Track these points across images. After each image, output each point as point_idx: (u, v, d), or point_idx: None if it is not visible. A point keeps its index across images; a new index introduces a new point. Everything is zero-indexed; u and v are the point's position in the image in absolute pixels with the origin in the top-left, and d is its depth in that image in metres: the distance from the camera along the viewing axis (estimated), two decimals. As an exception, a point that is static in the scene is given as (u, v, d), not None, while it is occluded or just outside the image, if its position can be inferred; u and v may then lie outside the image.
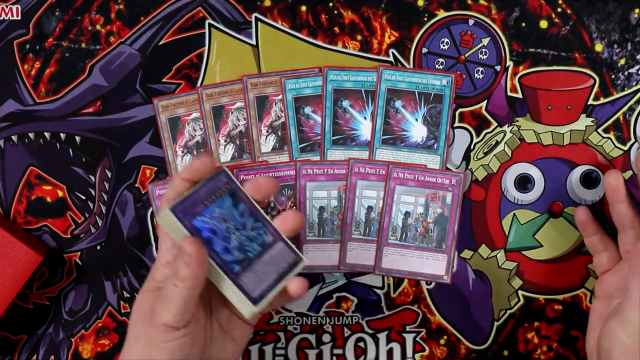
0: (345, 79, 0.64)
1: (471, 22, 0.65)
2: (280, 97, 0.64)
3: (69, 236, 0.65)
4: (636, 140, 0.65)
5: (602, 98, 0.65)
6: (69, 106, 0.65)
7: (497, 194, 0.65)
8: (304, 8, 0.65)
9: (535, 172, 0.65)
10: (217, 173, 0.53)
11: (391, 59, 0.65)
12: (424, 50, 0.65)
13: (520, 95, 0.65)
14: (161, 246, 0.54)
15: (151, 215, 0.65)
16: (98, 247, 0.65)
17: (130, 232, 0.65)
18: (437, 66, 0.65)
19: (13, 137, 0.65)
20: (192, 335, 0.52)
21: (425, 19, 0.65)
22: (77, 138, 0.65)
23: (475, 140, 0.65)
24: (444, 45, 0.65)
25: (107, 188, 0.65)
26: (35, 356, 0.65)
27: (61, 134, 0.65)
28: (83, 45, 0.65)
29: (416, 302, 0.66)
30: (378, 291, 0.66)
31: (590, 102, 0.65)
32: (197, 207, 0.52)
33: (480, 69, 0.65)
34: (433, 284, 0.66)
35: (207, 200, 0.52)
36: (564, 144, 0.65)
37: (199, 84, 0.65)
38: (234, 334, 0.56)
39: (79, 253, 0.65)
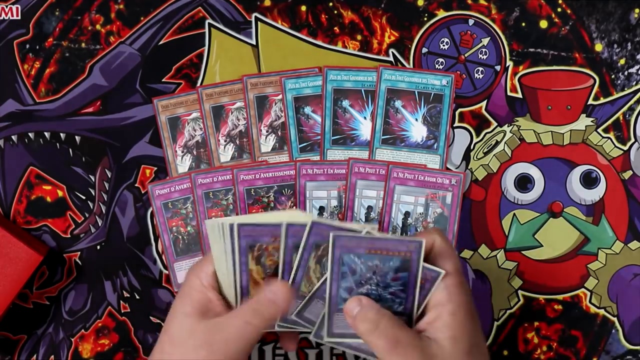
0: (345, 78, 0.64)
1: (471, 22, 0.65)
2: (280, 97, 0.64)
3: (69, 236, 0.65)
4: (636, 140, 0.65)
5: (602, 98, 0.65)
6: (69, 106, 0.65)
7: (497, 194, 0.65)
8: (304, 8, 0.65)
9: (535, 172, 0.65)
10: (303, 224, 0.53)
11: (391, 58, 0.65)
12: (424, 50, 0.65)
13: (520, 95, 0.65)
14: (205, 267, 0.54)
15: (151, 215, 0.65)
16: (98, 247, 0.65)
17: (130, 232, 0.65)
18: (437, 66, 0.65)
19: (13, 137, 0.65)
20: None
21: (425, 18, 0.65)
22: (77, 138, 0.65)
23: (475, 140, 0.65)
24: (444, 45, 0.65)
25: (107, 188, 0.65)
26: (35, 356, 0.65)
27: (61, 134, 0.65)
28: (83, 45, 0.65)
29: (416, 302, 0.66)
30: (378, 291, 0.66)
31: (590, 102, 0.65)
32: (264, 237, 0.52)
33: (480, 68, 0.65)
34: (433, 283, 0.66)
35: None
36: (564, 143, 0.65)
37: (199, 84, 0.65)
38: None
39: (79, 253, 0.65)
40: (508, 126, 0.65)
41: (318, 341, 0.53)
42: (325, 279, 0.51)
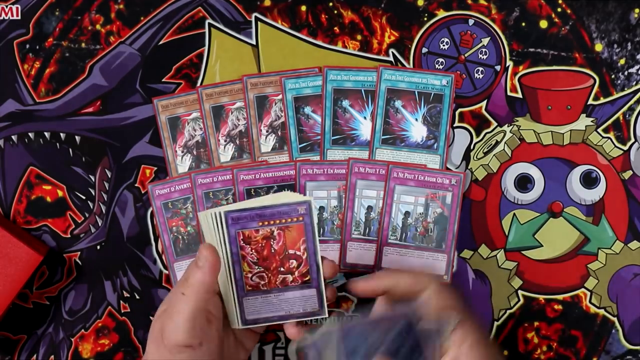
0: (345, 78, 0.64)
1: (471, 22, 0.65)
2: (280, 97, 0.64)
3: (69, 236, 0.65)
4: (636, 140, 0.65)
5: (602, 98, 0.65)
6: (69, 106, 0.65)
7: (497, 194, 0.65)
8: (304, 8, 0.65)
9: (535, 172, 0.65)
10: (302, 201, 0.53)
11: (391, 58, 0.65)
12: (424, 50, 0.65)
13: (520, 95, 0.65)
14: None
15: (151, 215, 0.65)
16: (98, 247, 0.65)
17: (130, 231, 0.65)
18: (437, 66, 0.65)
19: (13, 137, 0.65)
20: (209, 353, 0.52)
21: (425, 18, 0.65)
22: (77, 138, 0.65)
23: (475, 140, 0.65)
24: (444, 45, 0.65)
25: (107, 188, 0.65)
26: (35, 356, 0.65)
27: (61, 134, 0.65)
28: (83, 45, 0.65)
29: (416, 302, 0.66)
30: (378, 291, 0.66)
31: (590, 102, 0.65)
32: (252, 223, 0.53)
33: (480, 68, 0.65)
34: (433, 283, 0.65)
35: (274, 220, 0.53)
36: (564, 143, 0.65)
37: (199, 84, 0.65)
38: (246, 343, 0.58)
39: (79, 253, 0.65)
40: (508, 126, 0.65)
41: None
42: None
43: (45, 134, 0.65)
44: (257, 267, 0.54)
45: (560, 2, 0.65)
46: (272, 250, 0.54)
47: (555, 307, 0.65)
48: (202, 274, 0.50)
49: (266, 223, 0.53)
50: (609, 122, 0.65)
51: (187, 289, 0.50)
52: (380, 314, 0.51)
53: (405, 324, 0.51)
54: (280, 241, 0.54)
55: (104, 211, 0.65)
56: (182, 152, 0.65)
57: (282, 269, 0.54)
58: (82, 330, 0.65)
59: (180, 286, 0.51)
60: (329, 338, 0.51)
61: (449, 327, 0.51)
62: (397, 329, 0.51)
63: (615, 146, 0.65)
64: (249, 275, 0.54)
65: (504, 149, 0.65)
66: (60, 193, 0.65)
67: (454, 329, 0.50)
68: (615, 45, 0.65)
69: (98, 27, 0.65)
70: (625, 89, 0.65)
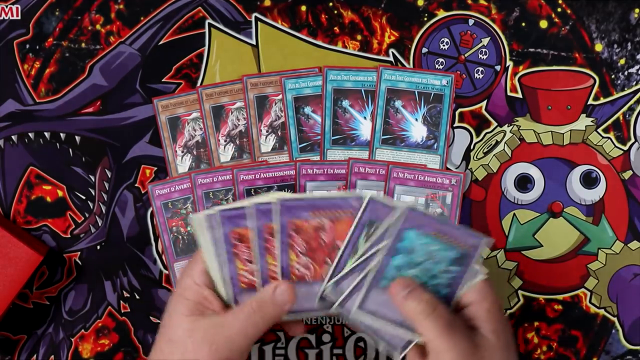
0: (345, 78, 0.64)
1: (471, 22, 0.65)
2: (280, 97, 0.64)
3: (69, 236, 0.65)
4: (636, 140, 0.65)
5: (602, 98, 0.65)
6: (69, 106, 0.65)
7: (497, 194, 0.65)
8: (304, 8, 0.65)
9: (535, 172, 0.65)
10: (357, 196, 0.54)
11: (391, 58, 0.65)
12: (424, 50, 0.65)
13: (520, 95, 0.65)
14: (196, 266, 0.54)
15: (151, 215, 0.65)
16: (98, 247, 0.65)
17: (130, 232, 0.65)
18: (437, 66, 0.65)
19: (13, 137, 0.65)
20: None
21: (425, 18, 0.65)
22: (77, 138, 0.65)
23: (475, 140, 0.65)
24: (444, 45, 0.65)
25: (107, 188, 0.65)
26: (35, 356, 0.65)
27: (61, 134, 0.65)
28: (83, 45, 0.65)
29: (416, 302, 0.66)
30: (378, 291, 0.66)
31: (590, 102, 0.65)
32: (304, 212, 0.54)
33: (480, 68, 0.65)
34: (433, 283, 0.66)
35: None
36: (564, 143, 0.65)
37: (199, 84, 0.65)
38: None
39: (79, 253, 0.65)
40: (508, 126, 0.65)
41: (338, 314, 0.53)
42: (376, 251, 0.51)
43: (45, 134, 0.65)
44: (304, 257, 0.54)
45: (560, 2, 0.65)
46: (322, 243, 0.54)
47: (555, 307, 0.65)
48: (282, 314, 0.53)
49: (318, 214, 0.53)
50: (609, 122, 0.65)
51: (259, 319, 0.52)
52: (454, 226, 0.52)
53: (463, 254, 0.52)
54: (330, 233, 0.54)
55: (104, 211, 0.65)
56: (182, 152, 0.65)
57: (328, 261, 0.54)
58: (82, 330, 0.65)
59: (251, 314, 0.52)
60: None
61: (477, 278, 0.52)
62: (453, 254, 0.51)
63: (615, 146, 0.65)
64: (295, 264, 0.54)
65: (504, 149, 0.65)
66: (60, 193, 0.65)
67: (479, 283, 0.52)
68: (615, 45, 0.65)
69: (98, 27, 0.65)
70: (625, 89, 0.65)
